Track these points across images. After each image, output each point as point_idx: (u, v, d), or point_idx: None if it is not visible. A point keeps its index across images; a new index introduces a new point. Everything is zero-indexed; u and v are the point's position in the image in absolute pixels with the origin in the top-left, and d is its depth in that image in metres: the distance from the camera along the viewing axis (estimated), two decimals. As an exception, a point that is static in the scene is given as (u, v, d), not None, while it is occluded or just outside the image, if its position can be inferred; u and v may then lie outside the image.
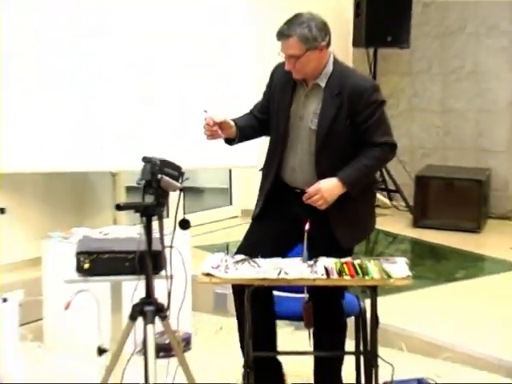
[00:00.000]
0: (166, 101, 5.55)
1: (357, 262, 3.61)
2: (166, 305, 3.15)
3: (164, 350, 3.95)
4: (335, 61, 3.78)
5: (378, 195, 7.73)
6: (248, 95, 5.39)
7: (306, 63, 3.66)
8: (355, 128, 3.71)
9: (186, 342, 4.70)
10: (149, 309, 3.12)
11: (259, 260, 3.60)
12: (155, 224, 3.13)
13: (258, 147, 4.16)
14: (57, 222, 5.29)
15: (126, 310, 3.23)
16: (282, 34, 3.65)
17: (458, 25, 7.66)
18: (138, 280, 3.15)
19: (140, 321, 3.13)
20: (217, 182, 7.68)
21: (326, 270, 3.52)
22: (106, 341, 3.35)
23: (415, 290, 4.94)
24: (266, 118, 3.92)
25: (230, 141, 3.87)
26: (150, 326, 3.09)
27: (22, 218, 5.21)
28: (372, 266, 3.58)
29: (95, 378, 3.23)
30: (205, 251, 4.98)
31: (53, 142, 5.28)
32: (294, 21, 3.65)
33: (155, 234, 3.13)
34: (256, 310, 3.66)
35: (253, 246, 3.73)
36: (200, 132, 3.79)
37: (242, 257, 3.62)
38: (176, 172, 3.20)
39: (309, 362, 3.96)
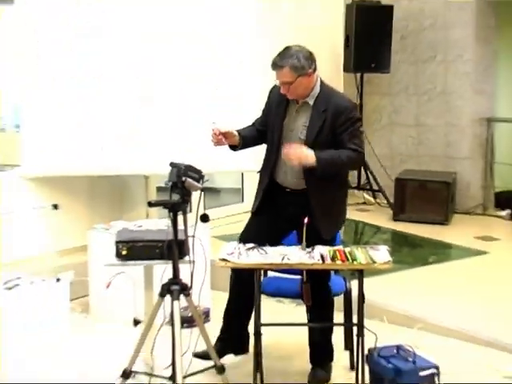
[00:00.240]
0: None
1: (347, 249, 3.62)
2: (189, 284, 3.15)
3: (187, 322, 3.95)
4: (322, 83, 3.78)
5: (365, 194, 7.74)
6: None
7: (298, 87, 3.67)
8: (335, 138, 3.70)
9: (206, 314, 4.69)
10: (175, 288, 3.11)
11: (266, 248, 3.59)
12: (180, 218, 3.12)
13: (256, 155, 4.06)
14: (100, 216, 5.28)
15: (156, 289, 3.23)
16: (276, 65, 3.66)
17: (430, 54, 7.62)
18: (166, 264, 3.15)
19: (168, 297, 3.13)
20: (231, 183, 7.65)
21: (322, 256, 3.52)
22: (140, 314, 3.34)
23: (395, 273, 4.92)
24: (265, 130, 3.91)
25: (233, 147, 3.87)
26: (176, 302, 3.09)
27: (71, 213, 5.20)
28: (359, 253, 3.58)
29: (131, 344, 3.22)
30: (221, 240, 4.95)
31: (96, 149, 5.11)
32: (285, 53, 3.66)
33: (180, 226, 3.12)
34: (244, 288, 3.73)
35: (251, 234, 3.76)
36: (207, 140, 3.76)
37: (252, 245, 3.61)
38: (197, 175, 3.19)
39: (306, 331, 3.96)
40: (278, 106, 3.84)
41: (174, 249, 3.09)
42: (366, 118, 7.59)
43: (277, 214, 3.84)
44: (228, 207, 7.04)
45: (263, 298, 3.77)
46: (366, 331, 3.62)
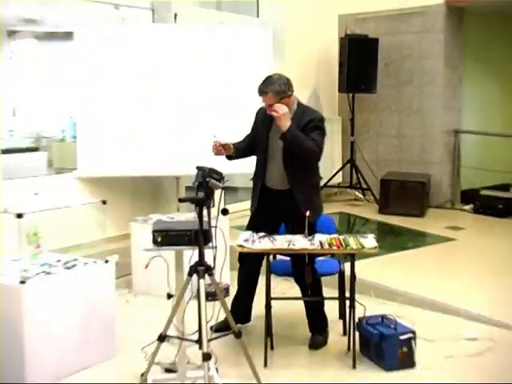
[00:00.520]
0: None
1: (341, 237, 3.60)
2: (212, 265, 3.11)
3: (211, 296, 3.89)
4: (298, 102, 3.82)
5: (356, 192, 7.70)
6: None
7: None
8: None
9: (226, 290, 4.67)
10: (201, 268, 3.08)
11: (275, 236, 3.58)
12: (205, 211, 3.08)
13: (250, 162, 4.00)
14: (140, 210, 5.27)
15: (186, 269, 3.20)
16: (261, 91, 3.70)
17: (408, 78, 7.61)
18: (193, 249, 3.12)
19: (195, 276, 3.09)
20: (247, 184, 7.61)
21: (321, 243, 3.49)
22: (172, 289, 3.31)
23: (380, 256, 4.84)
24: (254, 143, 3.93)
25: (229, 157, 3.87)
26: (201, 280, 3.05)
27: (116, 207, 5.17)
28: (351, 240, 3.56)
29: (165, 314, 3.20)
30: (238, 230, 4.92)
31: (138, 155, 5.12)
32: (268, 81, 3.71)
33: (205, 218, 3.09)
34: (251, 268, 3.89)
35: (253, 227, 3.78)
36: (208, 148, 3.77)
37: (263, 234, 3.61)
38: (219, 176, 3.16)
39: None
40: (263, 123, 3.86)
41: (200, 237, 3.06)
42: (357, 129, 7.63)
43: (270, 212, 3.87)
44: (244, 203, 6.97)
45: (272, 277, 3.75)
46: (356, 304, 3.60)
